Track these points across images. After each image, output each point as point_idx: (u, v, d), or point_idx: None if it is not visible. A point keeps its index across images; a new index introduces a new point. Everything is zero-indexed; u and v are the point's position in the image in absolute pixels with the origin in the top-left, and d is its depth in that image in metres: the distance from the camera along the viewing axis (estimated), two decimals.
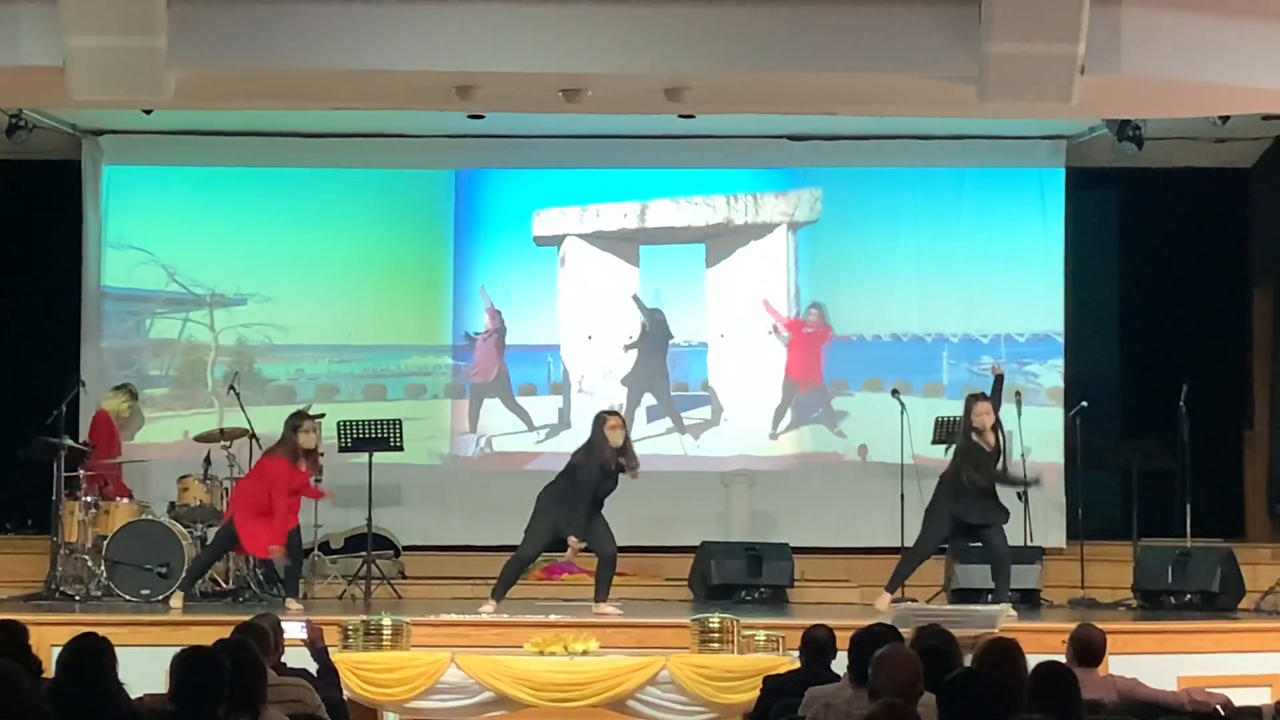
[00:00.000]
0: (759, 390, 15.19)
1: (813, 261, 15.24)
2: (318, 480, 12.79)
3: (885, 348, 15.08)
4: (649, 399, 15.21)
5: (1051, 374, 14.88)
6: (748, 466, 14.84)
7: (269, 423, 13.39)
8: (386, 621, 10.33)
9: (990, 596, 12.26)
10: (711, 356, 15.26)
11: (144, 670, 6.80)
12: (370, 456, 13.46)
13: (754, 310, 15.27)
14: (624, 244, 15.35)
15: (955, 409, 13.28)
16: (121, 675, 6.17)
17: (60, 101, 11.47)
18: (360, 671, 9.99)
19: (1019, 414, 14.05)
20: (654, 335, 15.28)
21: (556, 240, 15.33)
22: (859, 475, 14.76)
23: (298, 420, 12.52)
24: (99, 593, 12.50)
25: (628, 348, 15.24)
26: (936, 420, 13.92)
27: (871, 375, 15.01)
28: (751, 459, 14.96)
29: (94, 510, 12.77)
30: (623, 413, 13.22)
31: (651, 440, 14.85)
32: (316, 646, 9.10)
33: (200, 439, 13.43)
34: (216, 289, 14.95)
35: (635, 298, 15.28)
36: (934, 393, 14.87)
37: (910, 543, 13.31)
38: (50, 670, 6.53)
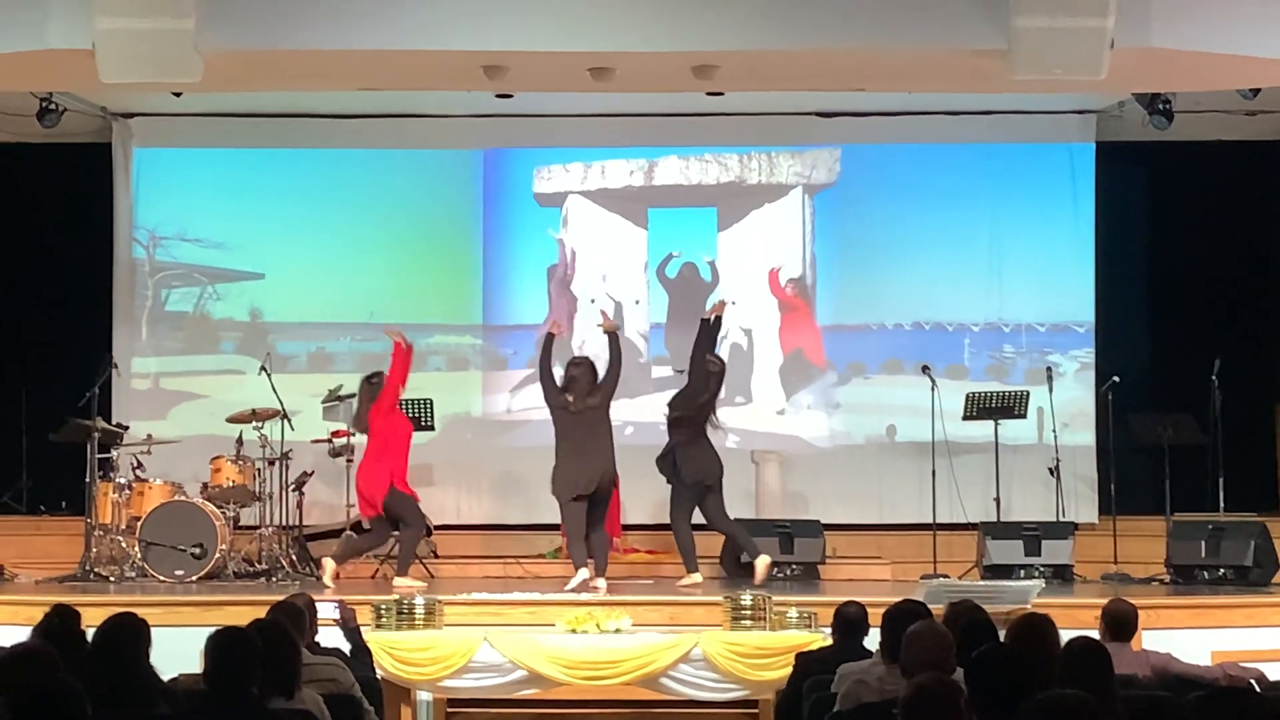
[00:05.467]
0: (773, 364, 15.04)
1: (830, 228, 15.06)
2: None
3: (905, 335, 14.91)
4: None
5: (1082, 349, 14.82)
6: (763, 446, 14.71)
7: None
8: (419, 601, 10.37)
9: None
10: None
11: (179, 651, 6.82)
12: None
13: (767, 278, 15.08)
14: (631, 204, 15.10)
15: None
16: (156, 656, 6.17)
17: (90, 84, 11.47)
18: (394, 651, 10.02)
19: (1050, 390, 14.06)
20: (686, 294, 14.97)
21: (558, 199, 15.19)
22: (889, 454, 14.72)
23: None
24: (134, 574, 12.57)
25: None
26: (967, 396, 13.92)
27: (891, 357, 14.91)
28: (766, 437, 14.82)
29: (128, 491, 12.83)
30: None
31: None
32: (349, 626, 9.15)
33: (232, 420, 13.43)
34: (248, 267, 14.95)
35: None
36: (958, 375, 14.78)
37: (941, 519, 13.36)
38: None
